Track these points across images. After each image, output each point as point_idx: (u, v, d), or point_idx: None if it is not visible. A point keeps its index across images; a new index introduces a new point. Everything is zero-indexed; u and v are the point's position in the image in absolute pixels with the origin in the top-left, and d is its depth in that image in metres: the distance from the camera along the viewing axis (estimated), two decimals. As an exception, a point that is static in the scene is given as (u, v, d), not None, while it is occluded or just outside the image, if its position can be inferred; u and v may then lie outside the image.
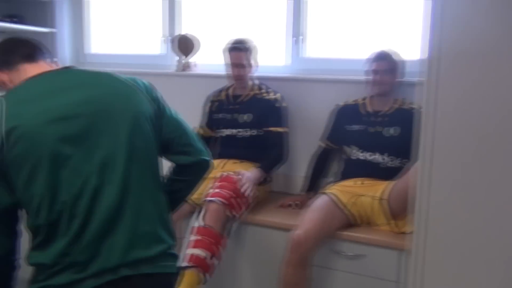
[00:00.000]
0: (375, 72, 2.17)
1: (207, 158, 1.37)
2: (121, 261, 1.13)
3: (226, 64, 2.42)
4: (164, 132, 1.27)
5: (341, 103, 2.34)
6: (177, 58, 2.82)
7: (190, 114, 2.73)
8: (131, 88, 1.23)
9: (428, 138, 1.35)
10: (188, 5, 2.89)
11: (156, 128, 1.25)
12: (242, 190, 2.11)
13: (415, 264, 1.42)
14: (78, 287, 1.11)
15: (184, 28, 2.88)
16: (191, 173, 1.39)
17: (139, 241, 1.16)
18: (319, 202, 2.06)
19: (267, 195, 2.46)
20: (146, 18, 3.03)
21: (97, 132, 1.14)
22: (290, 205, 2.31)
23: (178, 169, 1.37)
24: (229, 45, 2.39)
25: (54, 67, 1.29)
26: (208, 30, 2.85)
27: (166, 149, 1.30)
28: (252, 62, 2.40)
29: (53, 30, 3.06)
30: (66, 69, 1.27)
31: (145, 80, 1.30)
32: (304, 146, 2.56)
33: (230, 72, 2.40)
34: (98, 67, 3.06)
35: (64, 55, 3.16)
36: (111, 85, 1.22)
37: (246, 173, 2.21)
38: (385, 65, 2.15)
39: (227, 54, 2.39)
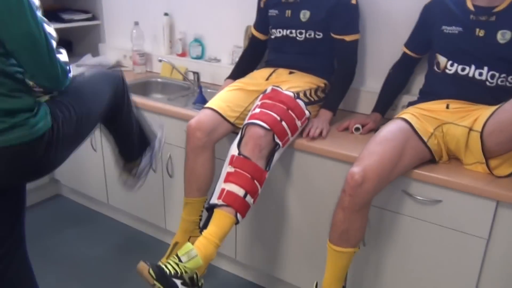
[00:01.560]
0: None
1: (44, 83, 1.33)
2: None
3: None
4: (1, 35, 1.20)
5: None
6: None
7: (244, 10, 2.36)
8: None
9: None
10: None
11: None
12: (311, 138, 1.73)
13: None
14: None
15: None
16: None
17: None
18: (390, 129, 1.55)
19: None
20: None
21: None
22: (357, 129, 1.83)
23: None
24: None
25: None
26: None
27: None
28: None
29: None
30: None
31: None
32: (377, 52, 2.02)
33: None
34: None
35: None
36: None
37: (315, 120, 1.80)
38: None
39: None
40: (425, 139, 1.53)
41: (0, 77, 1.24)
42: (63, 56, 1.37)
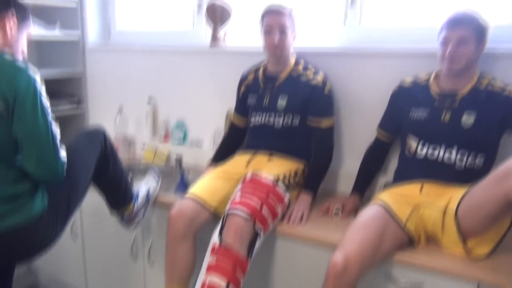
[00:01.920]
0: (445, 41, 1.63)
1: (43, 173, 1.45)
2: None
3: (262, 34, 1.96)
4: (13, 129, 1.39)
5: (407, 81, 1.82)
6: (210, 32, 2.43)
7: (225, 96, 2.46)
8: None
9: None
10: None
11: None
12: (293, 223, 1.75)
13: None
14: None
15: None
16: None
17: None
18: (369, 215, 1.57)
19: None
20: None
21: None
22: (336, 213, 1.85)
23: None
24: (266, 9, 1.93)
25: None
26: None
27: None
28: (292, 31, 1.95)
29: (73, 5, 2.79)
30: None
31: (28, 78, 1.40)
32: (352, 135, 2.10)
33: (266, 42, 1.94)
34: (126, 45, 2.83)
35: (90, 32, 2.89)
36: None
37: (295, 204, 1.84)
38: (459, 33, 1.59)
39: (263, 20, 1.94)
40: (403, 224, 1.55)
41: (6, 167, 1.41)
42: (63, 152, 1.52)
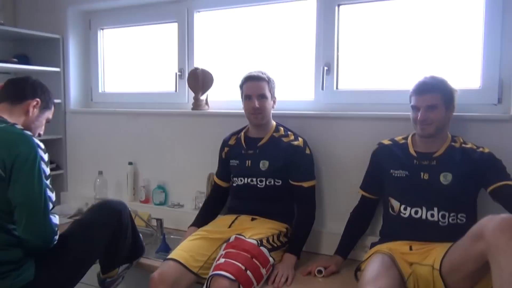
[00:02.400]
0: (415, 108, 1.74)
1: (34, 241, 1.47)
2: None
3: (243, 99, 2.04)
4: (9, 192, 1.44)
5: (386, 142, 1.89)
6: (192, 95, 2.51)
7: (206, 158, 2.50)
8: None
9: None
10: (200, 40, 2.58)
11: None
12: (277, 286, 1.73)
13: None
14: None
15: (197, 63, 2.57)
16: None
17: None
18: (380, 262, 1.57)
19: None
20: (158, 55, 2.76)
21: None
22: (319, 272, 1.82)
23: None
24: (246, 77, 2.03)
25: (13, 110, 1.64)
26: (223, 66, 2.52)
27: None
28: (271, 96, 2.03)
29: (57, 69, 2.86)
30: None
31: (30, 144, 1.50)
32: (334, 196, 2.14)
33: (247, 107, 2.01)
34: (109, 106, 2.87)
35: (72, 95, 2.94)
36: None
37: (280, 266, 1.82)
38: (428, 100, 1.69)
39: (244, 86, 2.03)
40: (405, 279, 1.55)
41: (1, 231, 1.43)
42: (55, 219, 1.55)
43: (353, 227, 1.98)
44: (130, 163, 2.69)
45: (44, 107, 1.73)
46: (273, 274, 1.76)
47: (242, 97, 2.04)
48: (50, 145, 2.95)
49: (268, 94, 2.00)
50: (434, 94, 1.69)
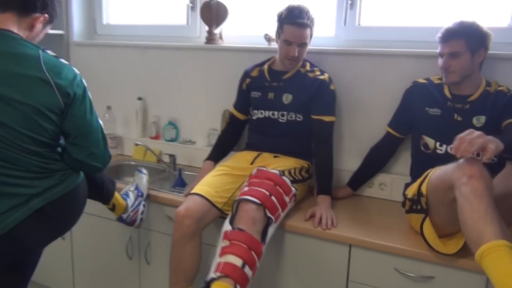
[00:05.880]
0: (440, 54, 1.72)
1: (96, 165, 1.53)
2: None
3: (281, 40, 1.91)
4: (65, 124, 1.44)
5: (421, 81, 1.85)
6: (206, 28, 2.41)
7: (220, 95, 2.44)
8: (31, 80, 1.35)
9: None
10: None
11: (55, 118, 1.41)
12: (326, 227, 1.71)
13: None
14: None
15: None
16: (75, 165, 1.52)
17: None
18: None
19: (307, 192, 2.04)
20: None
21: None
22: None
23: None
24: (290, 18, 1.85)
25: (21, 23, 1.44)
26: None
27: (65, 137, 1.49)
28: (310, 40, 1.95)
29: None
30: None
31: (73, 74, 1.43)
32: (353, 136, 2.14)
33: (283, 51, 1.91)
34: (113, 40, 2.76)
35: (75, 26, 2.80)
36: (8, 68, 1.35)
37: (318, 208, 1.80)
38: (450, 47, 1.66)
39: (285, 28, 1.88)
40: None
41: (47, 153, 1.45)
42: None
43: (372, 162, 2.01)
44: (140, 99, 2.63)
45: (49, 22, 1.53)
46: (316, 217, 1.75)
47: (278, 34, 1.93)
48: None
49: (309, 41, 1.92)
50: (457, 41, 1.65)
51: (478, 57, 1.68)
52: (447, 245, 1.50)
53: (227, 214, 1.71)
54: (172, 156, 2.42)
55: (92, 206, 1.86)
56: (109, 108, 2.65)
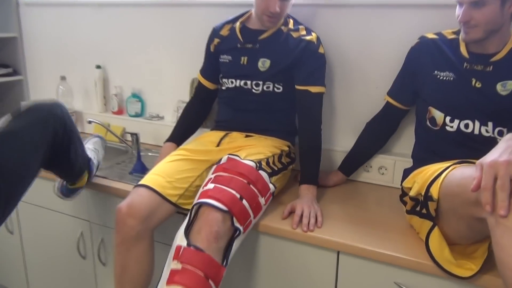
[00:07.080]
0: (458, 4, 1.27)
1: None
2: None
3: None
4: None
5: (429, 37, 1.43)
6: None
7: (190, 60, 2.03)
8: None
9: None
10: None
11: None
12: (307, 229, 1.32)
13: None
14: None
15: None
16: None
17: None
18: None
19: (289, 181, 1.67)
20: None
21: None
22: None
23: None
24: None
25: None
26: None
27: None
28: None
29: None
30: None
31: None
32: (348, 108, 1.75)
33: (263, 4, 1.50)
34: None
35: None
36: None
37: (299, 202, 1.41)
38: None
39: None
40: None
41: None
42: None
43: (368, 141, 1.63)
44: (98, 67, 2.23)
45: None
46: (296, 215, 1.37)
47: None
48: (2, 45, 2.49)
49: None
50: None
51: (510, 4, 1.25)
52: (462, 264, 1.13)
53: (185, 209, 1.35)
54: (134, 135, 2.05)
55: (39, 197, 1.50)
56: (63, 78, 2.27)
